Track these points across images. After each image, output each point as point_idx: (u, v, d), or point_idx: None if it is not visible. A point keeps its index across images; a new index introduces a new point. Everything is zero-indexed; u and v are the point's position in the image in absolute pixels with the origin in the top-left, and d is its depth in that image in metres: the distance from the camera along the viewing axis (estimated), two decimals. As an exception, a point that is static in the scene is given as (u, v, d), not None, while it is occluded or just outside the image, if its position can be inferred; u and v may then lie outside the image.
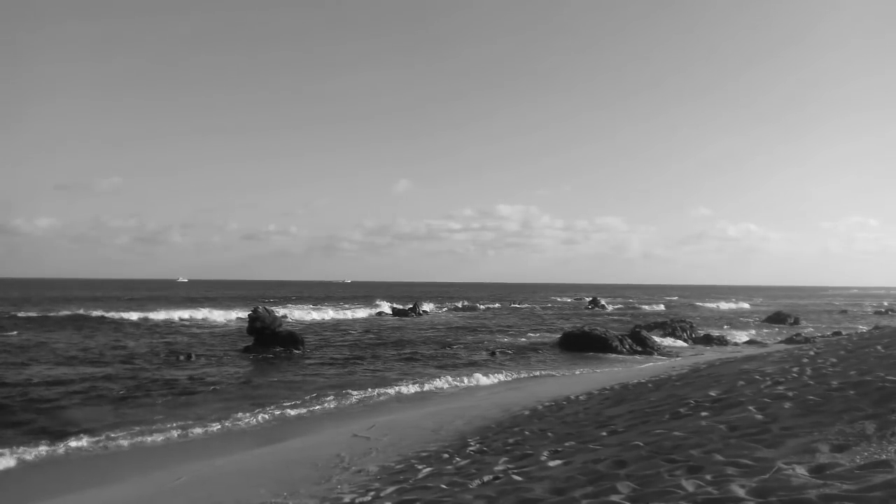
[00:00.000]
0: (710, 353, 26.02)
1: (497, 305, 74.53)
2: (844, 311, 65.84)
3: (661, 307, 74.76)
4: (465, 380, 19.60)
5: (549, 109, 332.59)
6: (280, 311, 42.58)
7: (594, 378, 18.60)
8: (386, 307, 60.59)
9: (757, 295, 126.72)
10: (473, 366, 23.37)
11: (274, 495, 8.22)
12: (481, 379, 19.79)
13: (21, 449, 11.31)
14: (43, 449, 11.45)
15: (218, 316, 47.97)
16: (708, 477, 5.18)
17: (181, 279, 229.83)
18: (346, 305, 65.16)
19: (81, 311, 47.98)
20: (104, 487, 9.27)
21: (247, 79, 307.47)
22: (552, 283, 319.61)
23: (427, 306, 63.09)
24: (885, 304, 78.86)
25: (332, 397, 16.50)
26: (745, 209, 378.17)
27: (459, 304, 72.99)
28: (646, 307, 74.84)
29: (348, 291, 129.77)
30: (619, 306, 76.32)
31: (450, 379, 19.65)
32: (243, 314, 40.77)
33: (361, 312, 57.14)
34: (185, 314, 48.76)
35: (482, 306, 71.26)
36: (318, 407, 15.41)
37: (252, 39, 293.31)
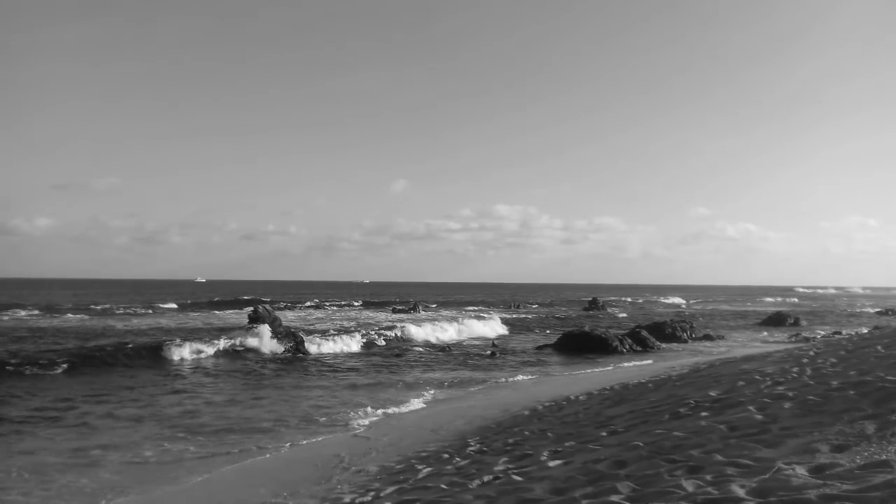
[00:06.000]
0: (709, 353, 26.03)
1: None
2: (844, 311, 65.76)
3: (662, 307, 74.77)
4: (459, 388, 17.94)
5: (548, 110, 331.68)
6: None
7: (594, 378, 18.59)
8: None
9: (756, 295, 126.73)
10: (472, 367, 23.34)
11: (274, 495, 8.22)
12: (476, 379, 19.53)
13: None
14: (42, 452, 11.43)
15: (220, 316, 47.95)
16: (708, 477, 5.19)
17: (199, 279, 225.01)
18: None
19: (86, 316, 47.14)
20: (104, 487, 9.26)
21: (246, 79, 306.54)
22: (552, 283, 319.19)
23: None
24: (886, 304, 78.85)
25: (326, 397, 16.48)
26: (744, 209, 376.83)
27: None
28: (646, 307, 74.82)
29: (380, 292, 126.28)
30: (619, 306, 76.32)
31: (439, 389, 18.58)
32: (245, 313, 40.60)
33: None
34: (187, 314, 48.64)
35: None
36: (313, 406, 15.36)
37: (251, 40, 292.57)
